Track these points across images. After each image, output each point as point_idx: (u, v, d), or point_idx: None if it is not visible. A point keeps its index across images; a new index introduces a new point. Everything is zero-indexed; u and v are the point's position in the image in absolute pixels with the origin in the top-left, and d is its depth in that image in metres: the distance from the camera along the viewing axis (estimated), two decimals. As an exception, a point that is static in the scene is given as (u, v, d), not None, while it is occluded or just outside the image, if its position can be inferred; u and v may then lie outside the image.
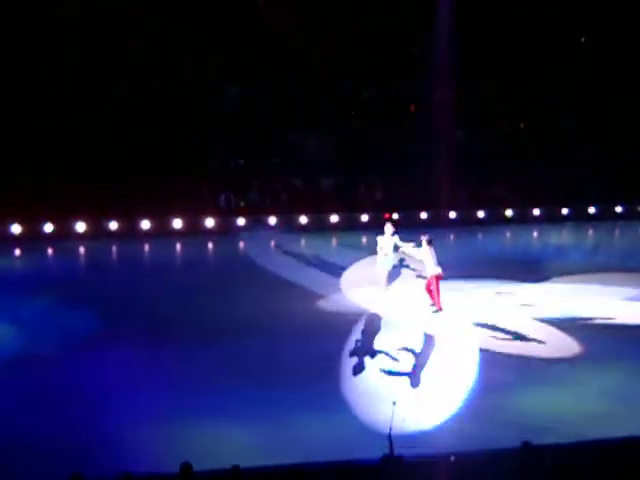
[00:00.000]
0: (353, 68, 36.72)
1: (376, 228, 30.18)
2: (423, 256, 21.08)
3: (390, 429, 11.92)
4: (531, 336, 19.49)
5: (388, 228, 21.91)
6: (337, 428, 14.53)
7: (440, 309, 21.03)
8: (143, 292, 23.00)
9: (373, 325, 20.28)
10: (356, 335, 19.51)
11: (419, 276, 23.12)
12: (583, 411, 15.29)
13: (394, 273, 22.79)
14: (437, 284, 20.98)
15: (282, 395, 15.73)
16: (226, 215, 30.82)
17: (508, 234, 31.24)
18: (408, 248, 21.66)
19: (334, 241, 29.95)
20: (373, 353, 18.27)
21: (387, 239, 21.79)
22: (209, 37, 35.11)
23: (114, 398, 15.67)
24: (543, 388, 16.40)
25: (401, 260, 23.41)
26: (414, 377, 17.00)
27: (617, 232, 32.39)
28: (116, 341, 18.84)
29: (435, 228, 29.82)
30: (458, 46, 36.12)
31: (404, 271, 24.10)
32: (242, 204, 31.65)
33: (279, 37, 36.06)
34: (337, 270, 25.36)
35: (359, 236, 29.86)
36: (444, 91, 36.24)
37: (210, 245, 29.55)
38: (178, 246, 29.21)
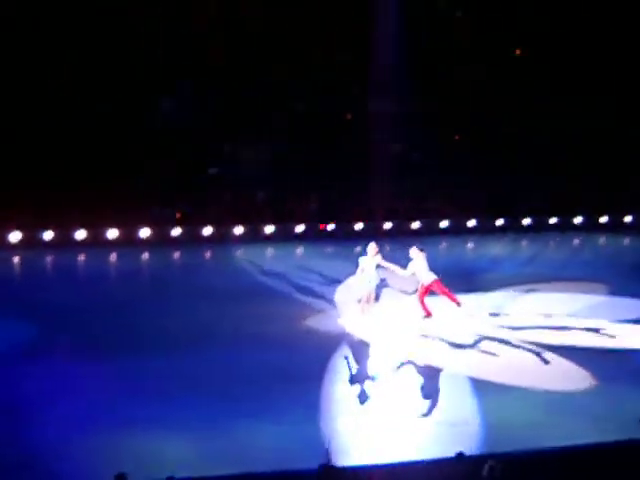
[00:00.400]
0: (289, 80, 36.79)
1: (311, 239, 30.62)
2: (416, 267, 20.99)
3: (329, 440, 11.95)
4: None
5: (371, 249, 21.36)
6: (280, 439, 14.49)
7: (459, 303, 21.18)
8: (80, 303, 22.71)
9: (330, 338, 20.25)
10: (313, 347, 19.51)
11: (402, 292, 23.10)
12: (525, 421, 15.42)
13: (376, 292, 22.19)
14: (440, 288, 21.07)
15: (228, 406, 15.67)
16: (161, 226, 30.61)
17: (444, 245, 31.43)
18: (396, 269, 21.27)
19: (269, 252, 29.93)
20: (328, 366, 18.28)
21: (370, 260, 21.21)
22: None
23: (48, 410, 15.48)
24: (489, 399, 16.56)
25: (382, 280, 22.89)
26: (364, 392, 16.98)
27: (551, 243, 32.75)
28: (51, 353, 18.65)
29: (370, 239, 30.01)
30: (396, 57, 36.51)
31: (385, 290, 23.61)
32: (178, 215, 31.47)
33: (215, 48, 35.99)
34: (273, 281, 25.40)
35: (294, 247, 29.95)
36: (381, 102, 36.51)
37: (146, 255, 29.37)
38: (113, 256, 28.97)
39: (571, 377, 18.01)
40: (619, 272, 27.13)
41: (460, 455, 11.40)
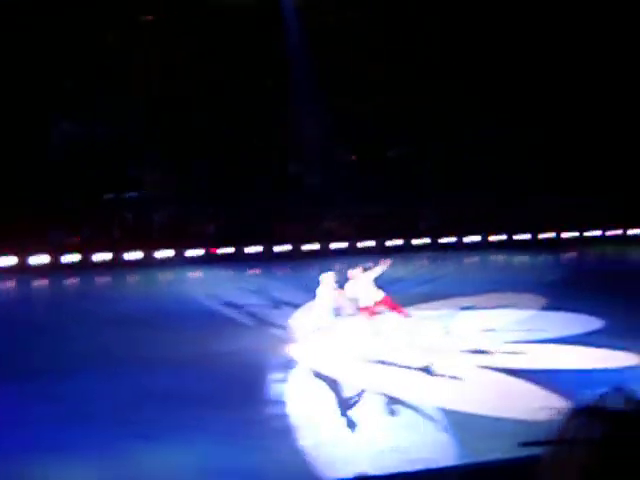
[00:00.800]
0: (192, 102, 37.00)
1: (209, 262, 30.73)
2: (360, 288, 20.71)
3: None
4: None
5: (328, 277, 20.86)
6: (171, 461, 14.54)
7: (407, 314, 21.41)
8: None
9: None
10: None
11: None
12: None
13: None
14: (389, 303, 21.12)
15: (120, 430, 15.67)
16: (57, 252, 30.49)
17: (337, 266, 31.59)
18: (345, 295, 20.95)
19: (166, 276, 29.98)
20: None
21: (327, 289, 20.70)
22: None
23: None
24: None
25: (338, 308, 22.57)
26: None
27: (447, 262, 33.23)
28: None
29: (266, 262, 30.37)
30: (290, 82, 36.89)
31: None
32: (76, 240, 31.34)
33: (120, 69, 35.93)
34: (171, 305, 25.56)
35: (191, 270, 30.11)
36: (280, 126, 36.86)
37: (45, 281, 29.26)
38: (10, 282, 28.83)
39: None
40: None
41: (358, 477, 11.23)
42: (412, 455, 14.72)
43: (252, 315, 24.60)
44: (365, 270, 20.92)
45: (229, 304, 25.59)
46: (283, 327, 22.49)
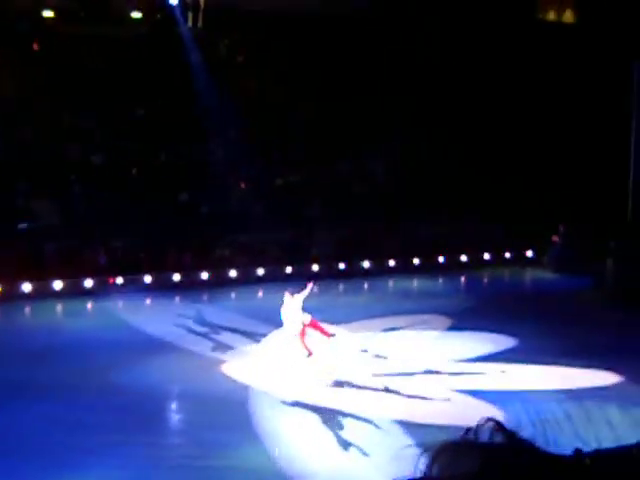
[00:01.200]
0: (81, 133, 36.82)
1: (101, 293, 30.43)
2: (290, 311, 22.04)
3: None
4: None
5: (287, 298, 22.31)
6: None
7: (332, 335, 22.96)
8: None
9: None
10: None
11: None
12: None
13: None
14: (315, 325, 22.50)
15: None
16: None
17: (233, 295, 31.77)
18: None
19: (59, 307, 29.64)
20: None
21: (290, 306, 22.21)
22: None
23: None
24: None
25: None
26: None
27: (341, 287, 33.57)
28: None
29: (161, 290, 30.32)
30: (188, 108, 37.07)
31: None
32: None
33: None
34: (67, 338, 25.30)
35: (84, 302, 29.80)
36: (169, 153, 36.94)
37: None
38: None
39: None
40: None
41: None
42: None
43: (155, 342, 24.64)
44: (293, 294, 22.26)
45: (130, 331, 25.56)
46: (190, 352, 22.79)
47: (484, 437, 2.19)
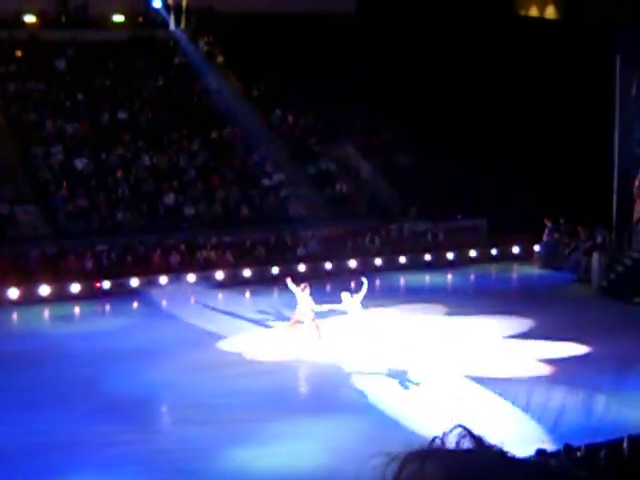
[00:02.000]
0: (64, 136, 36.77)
1: (87, 298, 30.28)
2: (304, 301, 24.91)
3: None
4: None
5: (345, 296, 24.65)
6: None
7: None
8: None
9: None
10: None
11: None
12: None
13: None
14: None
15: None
16: None
17: (220, 296, 31.60)
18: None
19: (46, 313, 29.52)
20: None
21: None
22: None
23: None
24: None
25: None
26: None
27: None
28: None
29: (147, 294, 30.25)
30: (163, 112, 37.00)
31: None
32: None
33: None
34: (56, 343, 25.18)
35: (71, 307, 29.70)
36: (151, 156, 36.89)
37: None
38: None
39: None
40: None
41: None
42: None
43: (144, 346, 24.62)
44: (304, 289, 25.11)
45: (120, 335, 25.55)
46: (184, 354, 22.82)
47: (451, 443, 2.17)
